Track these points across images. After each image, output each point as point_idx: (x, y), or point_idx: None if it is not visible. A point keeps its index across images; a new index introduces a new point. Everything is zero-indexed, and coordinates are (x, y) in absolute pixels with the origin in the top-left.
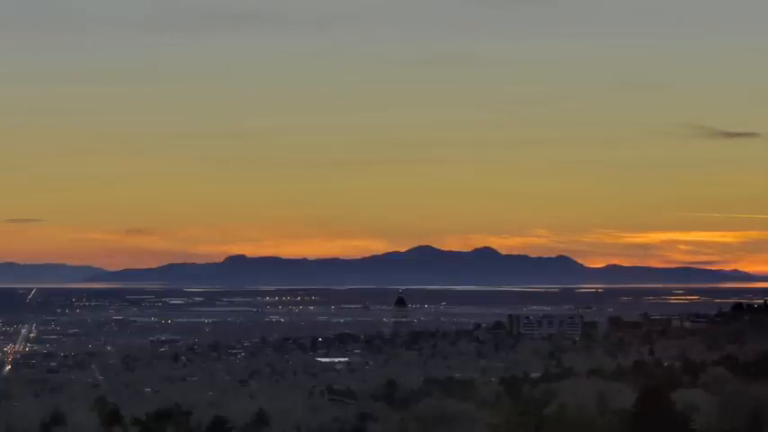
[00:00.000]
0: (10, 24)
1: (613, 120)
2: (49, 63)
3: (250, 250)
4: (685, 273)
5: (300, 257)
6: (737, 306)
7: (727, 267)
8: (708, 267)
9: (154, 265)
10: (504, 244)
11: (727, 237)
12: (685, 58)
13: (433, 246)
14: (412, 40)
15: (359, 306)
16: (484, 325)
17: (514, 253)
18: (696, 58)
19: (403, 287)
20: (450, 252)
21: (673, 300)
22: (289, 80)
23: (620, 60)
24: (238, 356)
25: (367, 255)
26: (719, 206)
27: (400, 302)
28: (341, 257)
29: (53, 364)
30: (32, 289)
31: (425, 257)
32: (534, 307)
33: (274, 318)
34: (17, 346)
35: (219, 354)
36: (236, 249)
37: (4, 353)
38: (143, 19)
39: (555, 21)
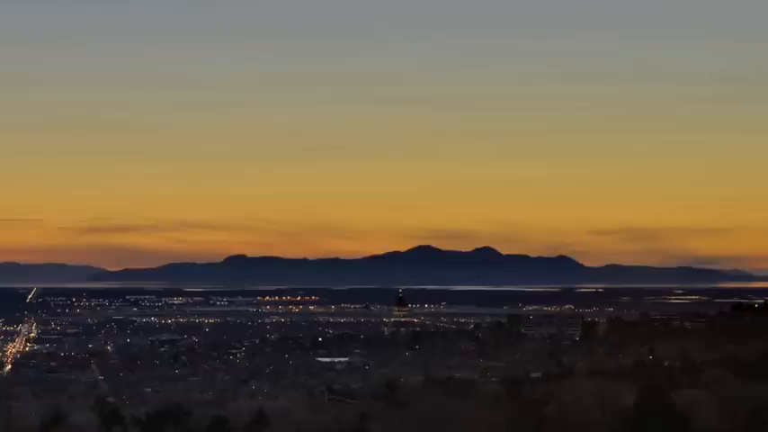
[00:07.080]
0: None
1: None
2: (53, 65)
3: (250, 250)
4: (685, 273)
5: (300, 257)
6: (738, 306)
7: (728, 267)
8: (708, 267)
9: (154, 265)
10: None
11: (729, 235)
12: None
13: (434, 246)
14: None
15: (359, 306)
16: (484, 325)
17: (514, 253)
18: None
19: (403, 287)
20: (451, 252)
21: (673, 300)
22: (287, 76)
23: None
24: (238, 356)
25: (367, 255)
26: (720, 204)
27: (400, 302)
28: (341, 257)
29: (53, 364)
30: (32, 289)
31: (425, 257)
32: (534, 307)
33: (274, 318)
34: (17, 345)
35: (219, 354)
36: (236, 249)
37: (3, 353)
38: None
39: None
